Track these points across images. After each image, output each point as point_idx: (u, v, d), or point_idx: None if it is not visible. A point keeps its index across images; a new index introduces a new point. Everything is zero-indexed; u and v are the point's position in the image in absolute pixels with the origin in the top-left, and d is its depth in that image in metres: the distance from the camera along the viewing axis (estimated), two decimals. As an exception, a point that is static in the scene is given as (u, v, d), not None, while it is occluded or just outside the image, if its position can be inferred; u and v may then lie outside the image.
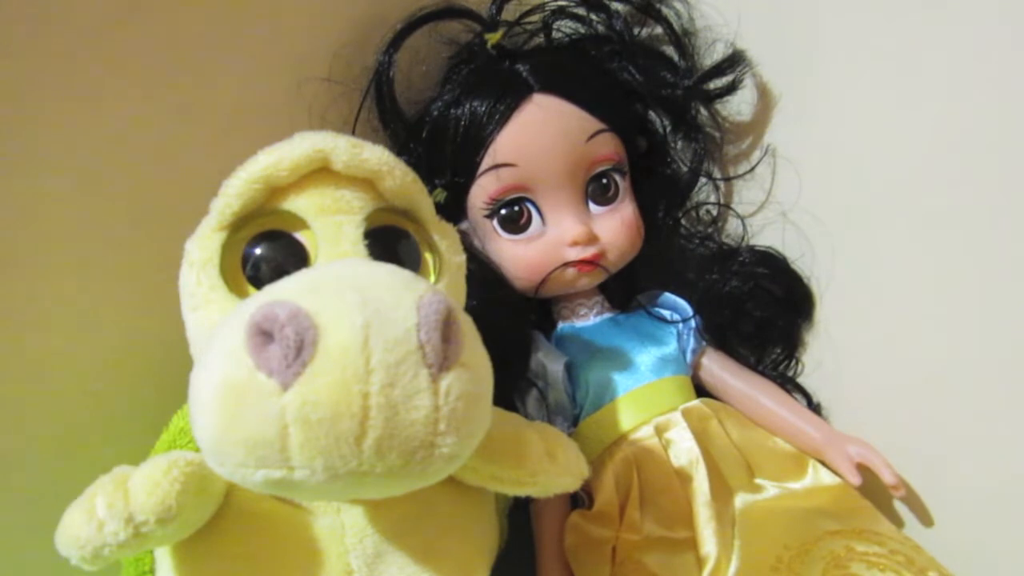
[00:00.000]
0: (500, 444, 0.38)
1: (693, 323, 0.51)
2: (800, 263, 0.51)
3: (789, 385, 0.52)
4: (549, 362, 0.48)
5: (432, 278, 0.37)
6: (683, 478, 0.45)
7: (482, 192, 0.48)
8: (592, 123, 0.48)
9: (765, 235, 0.53)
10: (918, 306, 0.46)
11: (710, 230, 0.55)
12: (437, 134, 0.50)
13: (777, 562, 0.41)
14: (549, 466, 0.39)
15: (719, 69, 0.50)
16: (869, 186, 0.47)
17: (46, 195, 0.41)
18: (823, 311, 0.51)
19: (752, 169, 0.53)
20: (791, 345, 0.52)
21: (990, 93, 0.40)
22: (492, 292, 0.47)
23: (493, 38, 0.50)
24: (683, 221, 0.55)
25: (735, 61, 0.50)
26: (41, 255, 0.42)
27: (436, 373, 0.29)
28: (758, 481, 0.47)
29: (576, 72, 0.50)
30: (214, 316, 0.34)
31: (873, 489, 0.46)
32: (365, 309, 0.29)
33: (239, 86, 0.47)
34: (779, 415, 0.50)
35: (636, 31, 0.53)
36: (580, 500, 0.48)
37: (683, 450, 0.46)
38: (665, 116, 0.54)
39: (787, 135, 0.51)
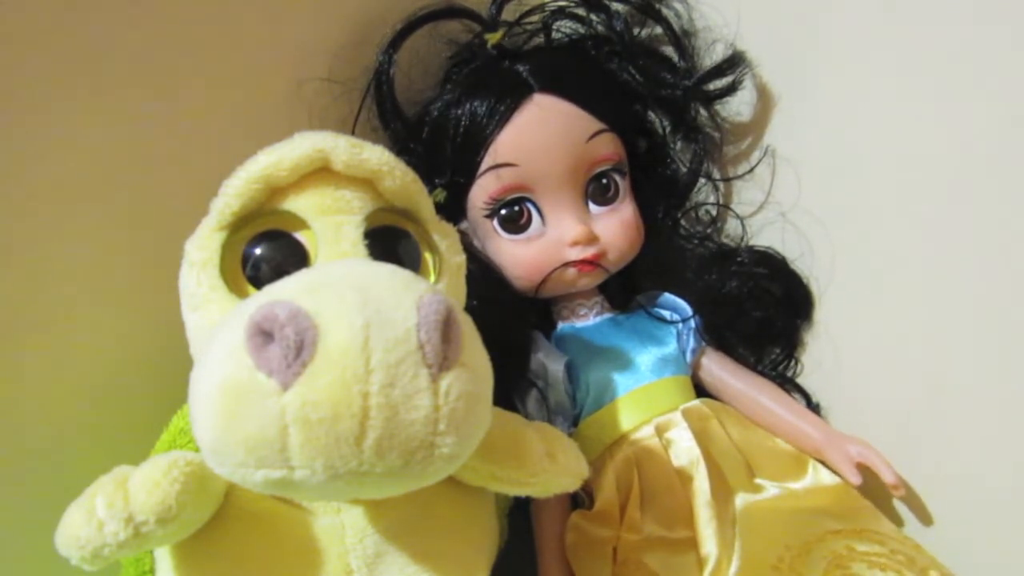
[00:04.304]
0: (500, 444, 0.38)
1: (693, 323, 0.51)
2: (799, 263, 0.51)
3: (789, 385, 0.52)
4: (549, 362, 0.48)
5: (432, 278, 0.37)
6: (684, 478, 0.45)
7: (482, 192, 0.48)
8: (592, 123, 0.48)
9: (764, 235, 0.53)
10: (918, 306, 0.46)
11: (709, 230, 0.55)
12: (437, 134, 0.49)
13: (778, 562, 0.41)
14: (549, 466, 0.39)
15: (719, 70, 0.50)
16: (869, 186, 0.47)
17: (45, 195, 0.41)
18: (822, 311, 0.51)
19: (752, 169, 0.53)
20: (791, 345, 0.53)
21: (990, 92, 0.40)
22: (492, 292, 0.47)
23: (493, 38, 0.50)
24: (683, 221, 0.55)
25: (735, 62, 0.50)
26: (41, 255, 0.42)
27: (436, 373, 0.29)
28: (758, 481, 0.47)
29: (576, 72, 0.50)
30: (214, 316, 0.34)
31: (873, 489, 0.46)
32: (365, 309, 0.29)
33: (239, 86, 0.47)
34: (779, 415, 0.50)
35: (636, 31, 0.53)
36: (580, 500, 0.48)
37: (683, 450, 0.46)
38: (665, 116, 0.54)
39: (787, 135, 0.51)
